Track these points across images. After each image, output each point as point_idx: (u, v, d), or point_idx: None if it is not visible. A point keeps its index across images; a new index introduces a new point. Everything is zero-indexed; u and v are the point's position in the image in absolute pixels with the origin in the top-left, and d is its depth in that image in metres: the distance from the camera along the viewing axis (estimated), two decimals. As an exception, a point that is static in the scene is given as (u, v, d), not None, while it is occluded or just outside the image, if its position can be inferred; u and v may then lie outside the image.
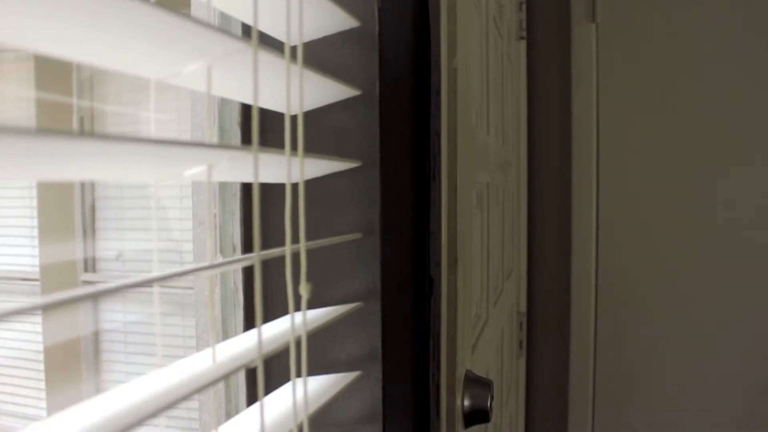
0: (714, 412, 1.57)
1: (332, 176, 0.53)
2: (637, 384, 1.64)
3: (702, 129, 1.57)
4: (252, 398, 0.57)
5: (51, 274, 2.72)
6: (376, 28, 0.52)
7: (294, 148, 0.37)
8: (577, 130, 1.64)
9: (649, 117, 1.61)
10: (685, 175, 1.58)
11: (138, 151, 0.27)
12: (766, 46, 1.51)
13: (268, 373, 0.55)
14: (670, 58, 1.58)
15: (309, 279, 0.37)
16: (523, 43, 1.65)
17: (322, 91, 0.46)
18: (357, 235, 0.52)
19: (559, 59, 1.65)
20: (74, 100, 2.68)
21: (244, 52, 0.33)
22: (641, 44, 1.60)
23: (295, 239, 0.38)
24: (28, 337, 2.79)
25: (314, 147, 0.53)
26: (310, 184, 0.53)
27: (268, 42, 0.43)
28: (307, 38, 0.50)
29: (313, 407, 0.42)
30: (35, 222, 2.77)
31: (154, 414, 0.26)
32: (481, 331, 0.92)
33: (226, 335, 0.56)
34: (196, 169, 0.34)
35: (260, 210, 0.55)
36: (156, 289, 0.36)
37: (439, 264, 0.64)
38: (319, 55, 0.53)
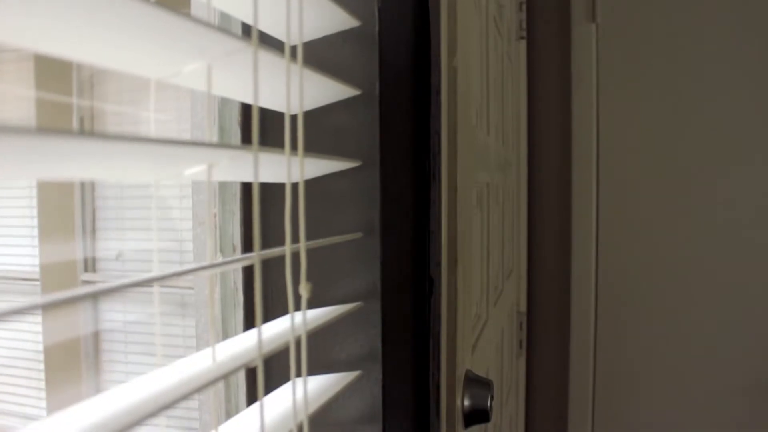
0: (714, 412, 1.57)
1: (332, 176, 0.53)
2: (637, 384, 1.64)
3: (702, 129, 1.57)
4: (252, 398, 0.57)
5: (51, 274, 2.72)
6: (376, 28, 0.52)
7: (294, 147, 0.37)
8: (577, 130, 1.64)
9: (649, 117, 1.61)
10: (685, 175, 1.58)
11: (138, 151, 0.27)
12: (766, 46, 1.51)
13: (268, 373, 0.55)
14: (670, 58, 1.58)
15: (309, 279, 0.37)
16: (523, 43, 1.65)
17: (322, 90, 0.46)
18: (357, 235, 0.52)
19: (559, 59, 1.65)
20: (74, 100, 2.68)
21: (244, 51, 0.33)
22: (641, 44, 1.60)
23: (295, 239, 0.38)
24: (29, 336, 2.79)
25: (314, 147, 0.53)
26: (311, 183, 0.53)
27: (268, 41, 0.43)
28: (307, 38, 0.50)
29: (313, 407, 0.42)
30: (35, 222, 2.77)
31: (154, 413, 0.26)
32: (481, 330, 0.92)
33: (226, 335, 0.56)
34: (196, 169, 0.34)
35: (260, 210, 0.55)
36: (156, 288, 0.36)
37: (439, 264, 0.64)
38: (319, 55, 0.53)
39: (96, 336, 2.76)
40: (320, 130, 0.54)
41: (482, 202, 0.94)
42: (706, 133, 1.56)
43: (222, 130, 0.56)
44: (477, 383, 0.71)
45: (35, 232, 2.78)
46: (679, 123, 1.58)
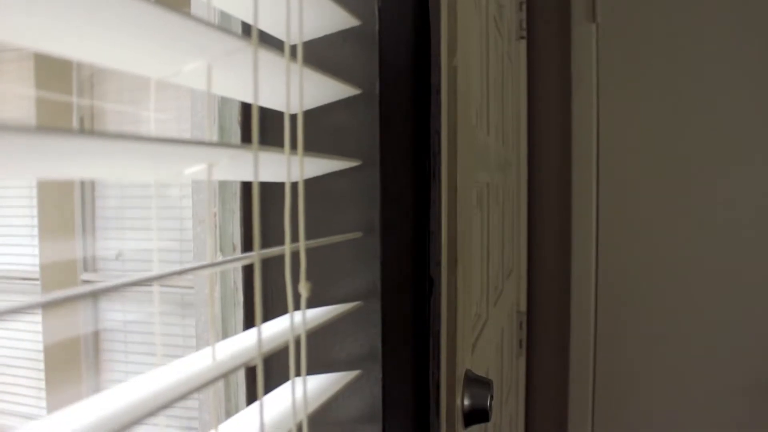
0: (714, 412, 1.57)
1: (332, 175, 0.53)
2: (637, 383, 1.64)
3: (702, 129, 1.57)
4: (252, 397, 0.57)
5: (51, 274, 2.72)
6: (377, 27, 0.52)
7: (294, 146, 0.37)
8: (577, 130, 1.64)
9: (649, 117, 1.61)
10: (685, 175, 1.58)
11: (138, 150, 0.27)
12: (766, 46, 1.51)
13: (267, 372, 0.55)
14: (670, 58, 1.58)
15: (309, 278, 0.37)
16: (523, 43, 1.65)
17: (322, 90, 0.46)
18: (357, 234, 0.52)
19: (559, 59, 1.65)
20: (74, 99, 2.68)
21: (244, 50, 0.33)
22: (641, 44, 1.60)
23: (295, 238, 0.38)
24: (29, 336, 2.79)
25: (314, 146, 0.53)
26: (310, 183, 0.53)
27: (268, 41, 0.43)
28: (307, 37, 0.50)
29: (312, 406, 0.42)
30: (35, 221, 2.77)
31: (154, 412, 0.26)
32: (481, 330, 0.92)
33: (226, 334, 0.56)
34: (196, 168, 0.34)
35: (260, 209, 0.55)
36: (156, 288, 0.36)
37: (439, 263, 0.64)
38: (319, 54, 0.53)
39: (96, 335, 2.76)
40: (320, 129, 0.54)
41: (482, 202, 0.94)
42: (706, 133, 1.56)
43: (222, 129, 0.56)
44: (477, 383, 0.71)
45: (35, 231, 2.78)
46: (679, 123, 1.58)
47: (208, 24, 0.29)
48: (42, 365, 2.73)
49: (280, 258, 0.36)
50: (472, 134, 0.77)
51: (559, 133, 1.66)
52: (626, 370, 1.64)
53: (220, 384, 0.57)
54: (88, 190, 2.73)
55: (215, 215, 0.56)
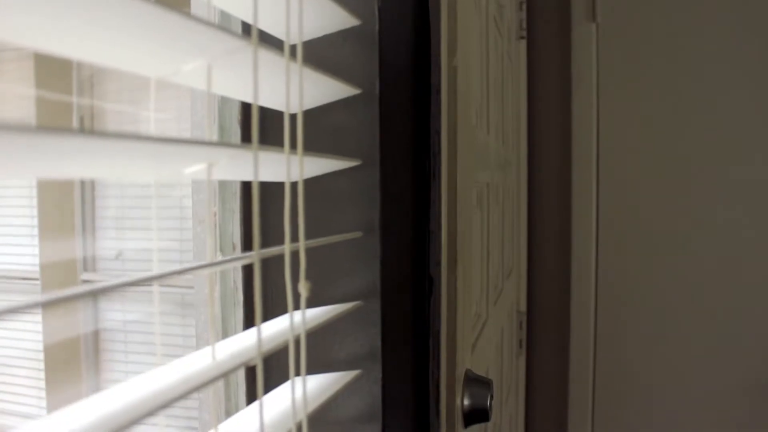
0: (714, 412, 1.57)
1: (332, 175, 0.53)
2: (637, 383, 1.64)
3: (702, 129, 1.57)
4: (252, 397, 0.57)
5: (51, 274, 2.72)
6: (377, 27, 0.52)
7: (293, 146, 0.37)
8: (577, 130, 1.64)
9: (649, 117, 1.61)
10: (685, 175, 1.58)
11: (138, 149, 0.27)
12: (766, 46, 1.51)
13: (267, 372, 0.55)
14: (670, 58, 1.58)
15: (309, 278, 0.37)
16: (524, 43, 1.65)
17: (322, 89, 0.46)
18: (357, 234, 0.52)
19: (559, 59, 1.65)
20: (74, 99, 2.68)
21: (244, 50, 0.33)
22: (641, 44, 1.60)
23: (295, 238, 0.38)
24: (29, 336, 2.79)
25: (314, 146, 0.53)
26: (310, 182, 0.53)
27: (268, 40, 0.43)
28: (307, 37, 0.50)
29: (312, 406, 0.42)
30: (35, 221, 2.77)
31: (153, 412, 0.26)
32: (481, 330, 0.92)
33: (225, 334, 0.56)
34: (195, 168, 0.34)
35: (260, 208, 0.55)
36: (155, 287, 0.36)
37: (438, 263, 0.64)
38: (319, 54, 0.53)
39: (96, 335, 2.76)
40: (320, 129, 0.54)
41: (482, 202, 0.94)
42: (706, 133, 1.56)
43: (222, 128, 0.56)
44: (477, 382, 0.71)
45: (35, 231, 2.78)
46: (679, 123, 1.58)
47: (208, 23, 0.29)
48: (42, 365, 2.73)
49: (280, 258, 0.36)
50: (472, 134, 0.77)
51: (559, 133, 1.66)
52: (626, 370, 1.64)
53: (220, 384, 0.57)
54: (88, 189, 2.73)
55: (215, 215, 0.56)
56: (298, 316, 0.41)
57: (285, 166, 0.36)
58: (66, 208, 2.72)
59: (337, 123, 0.53)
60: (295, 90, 0.38)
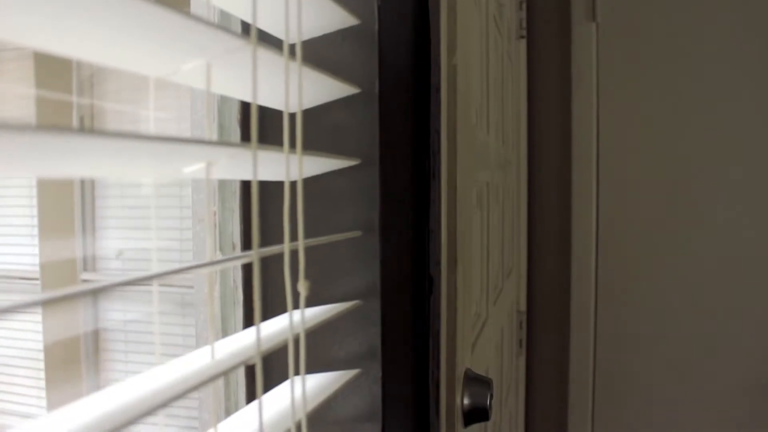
0: (714, 412, 1.57)
1: (331, 174, 0.53)
2: (637, 383, 1.64)
3: (702, 129, 1.57)
4: (251, 396, 0.57)
5: (51, 273, 2.72)
6: (376, 26, 0.52)
7: (293, 145, 0.37)
8: (577, 130, 1.64)
9: (649, 117, 1.61)
10: (685, 175, 1.58)
11: (137, 148, 0.27)
12: (766, 46, 1.51)
13: (267, 371, 0.55)
14: (670, 58, 1.58)
15: (309, 277, 0.37)
16: (523, 42, 1.65)
17: (321, 88, 0.46)
18: (356, 233, 0.53)
19: (559, 59, 1.65)
20: (74, 99, 2.68)
21: (243, 49, 0.33)
22: (641, 44, 1.60)
23: (294, 237, 0.38)
24: (29, 335, 2.79)
25: (313, 145, 0.53)
26: (310, 182, 0.53)
27: (268, 40, 0.43)
28: (307, 36, 0.50)
29: (311, 405, 0.42)
30: (35, 221, 2.78)
31: (152, 411, 0.26)
32: (481, 329, 0.92)
33: (225, 333, 0.56)
34: (194, 167, 0.34)
35: (259, 208, 0.55)
36: (155, 286, 0.36)
37: (438, 263, 0.64)
38: (318, 53, 0.53)
39: (96, 335, 2.76)
40: (319, 128, 0.54)
41: (482, 201, 0.94)
42: (706, 133, 1.56)
43: (222, 128, 0.56)
44: (477, 382, 0.71)
45: (35, 231, 2.79)
46: (679, 123, 1.58)
47: (207, 23, 0.29)
48: (42, 364, 2.73)
49: (280, 257, 0.36)
50: (472, 133, 0.77)
51: (559, 133, 1.66)
52: (626, 370, 1.64)
53: (220, 383, 0.57)
54: (88, 189, 2.73)
55: (215, 214, 0.56)
56: (297, 315, 0.41)
57: (284, 166, 0.37)
58: (66, 207, 2.72)
59: (337, 122, 0.53)
60: (295, 89, 0.38)
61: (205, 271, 0.32)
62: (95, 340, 2.76)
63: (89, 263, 2.77)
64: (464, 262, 0.70)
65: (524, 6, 1.63)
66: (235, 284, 0.56)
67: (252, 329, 0.41)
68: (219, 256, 0.56)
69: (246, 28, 0.54)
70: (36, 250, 2.78)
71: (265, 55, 0.34)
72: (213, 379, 0.30)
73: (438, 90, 0.63)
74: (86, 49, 0.29)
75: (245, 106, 0.55)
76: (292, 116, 0.44)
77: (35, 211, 2.77)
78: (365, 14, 0.52)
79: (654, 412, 1.63)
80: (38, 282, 2.73)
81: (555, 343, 1.69)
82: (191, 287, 0.62)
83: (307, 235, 0.41)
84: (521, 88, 1.63)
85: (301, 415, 0.39)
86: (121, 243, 2.71)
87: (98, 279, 2.72)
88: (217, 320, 0.56)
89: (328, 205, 0.54)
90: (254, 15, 0.34)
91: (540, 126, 1.68)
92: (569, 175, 1.65)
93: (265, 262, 0.54)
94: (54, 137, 0.22)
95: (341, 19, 0.47)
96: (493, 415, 0.99)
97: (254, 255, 0.34)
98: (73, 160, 0.27)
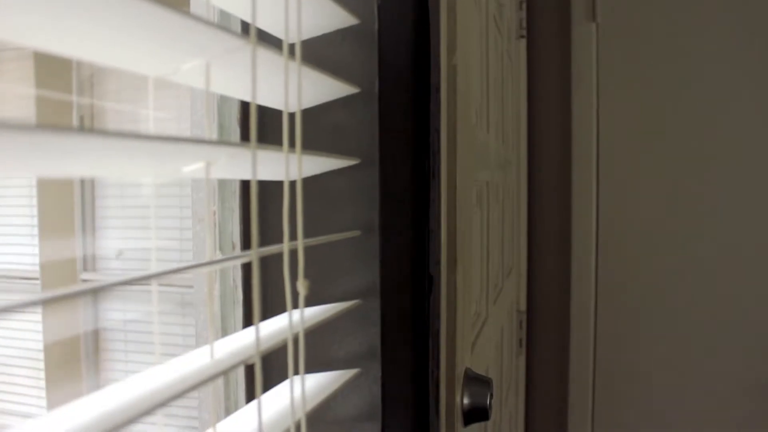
0: (714, 412, 1.57)
1: (331, 174, 0.53)
2: (637, 383, 1.64)
3: (702, 129, 1.57)
4: (251, 395, 0.57)
5: (51, 273, 2.72)
6: (376, 26, 0.52)
7: (292, 145, 0.37)
8: (577, 130, 1.64)
9: (649, 117, 1.61)
10: (686, 175, 1.58)
11: (136, 148, 0.27)
12: (766, 46, 1.51)
13: (267, 370, 0.55)
14: (670, 58, 1.58)
15: (308, 276, 0.37)
16: (523, 42, 1.65)
17: (321, 88, 0.46)
18: (356, 233, 0.53)
19: (559, 59, 1.65)
20: (74, 98, 2.68)
21: (243, 49, 0.33)
22: (641, 44, 1.60)
23: (294, 236, 0.38)
24: (29, 335, 2.79)
25: (313, 144, 0.53)
26: (309, 181, 0.53)
27: (267, 39, 0.43)
28: (306, 36, 0.50)
29: (311, 405, 0.42)
30: (35, 220, 2.78)
31: (151, 410, 0.26)
32: (481, 329, 0.92)
33: (225, 332, 0.56)
34: (194, 166, 0.34)
35: (259, 207, 0.55)
36: (154, 286, 0.36)
37: (438, 262, 0.64)
38: (318, 53, 0.53)
39: (96, 334, 2.76)
40: (319, 128, 0.54)
41: (482, 201, 0.94)
42: (706, 133, 1.56)
43: (221, 127, 0.56)
44: (476, 381, 0.71)
45: (35, 230, 2.79)
46: (679, 123, 1.58)
47: (207, 22, 0.29)
48: (42, 364, 2.73)
49: (280, 256, 0.36)
50: (471, 133, 0.77)
51: (559, 133, 1.66)
52: (626, 370, 1.64)
53: (220, 382, 0.57)
54: (87, 189, 2.73)
55: (215, 214, 0.56)
56: (296, 314, 0.41)
57: (284, 165, 0.37)
58: (66, 207, 2.72)
59: (336, 122, 0.53)
60: (294, 89, 0.38)
61: (204, 270, 0.32)
62: (95, 339, 2.76)
63: (89, 263, 2.77)
64: (464, 262, 0.70)
65: (524, 6, 1.63)
66: (235, 284, 0.56)
67: (251, 329, 0.41)
68: (219, 256, 0.56)
69: (245, 27, 0.54)
70: (36, 250, 2.78)
71: (265, 54, 0.34)
72: (212, 378, 0.30)
73: (438, 90, 0.63)
74: (86, 49, 0.29)
75: (245, 106, 0.55)
76: (292, 116, 0.44)
77: (35, 211, 2.77)
78: (365, 14, 0.52)
79: (654, 411, 1.63)
80: (38, 282, 2.73)
81: (555, 343, 1.69)
82: (191, 287, 0.62)
83: (306, 235, 0.41)
84: (521, 87, 1.63)
85: (301, 415, 0.39)
86: (121, 243, 2.71)
87: (98, 279, 2.72)
88: (216, 320, 0.56)
89: (327, 204, 0.54)
90: (254, 15, 0.34)
91: (540, 126, 1.68)
92: (569, 175, 1.65)
93: (264, 261, 0.54)
94: (54, 137, 0.22)
95: (341, 18, 0.47)
96: (493, 415, 0.99)
97: (253, 254, 0.34)
98: (73, 159, 0.27)
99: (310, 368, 0.53)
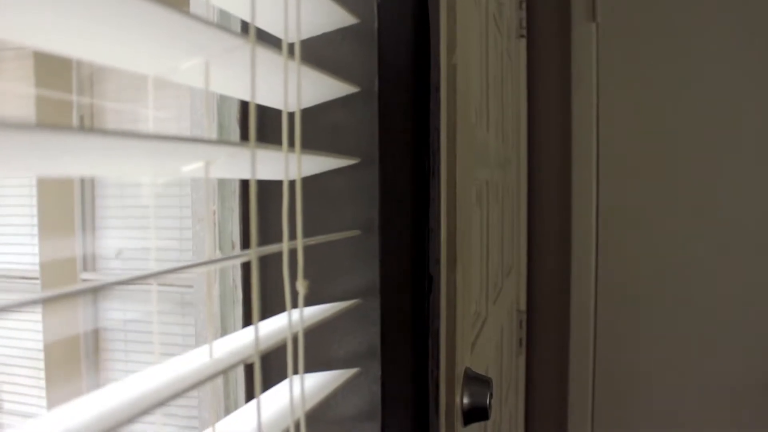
0: (714, 412, 1.58)
1: (331, 173, 0.53)
2: (637, 383, 1.64)
3: (702, 129, 1.57)
4: (251, 394, 0.57)
5: (51, 273, 2.72)
6: (376, 25, 0.52)
7: (292, 144, 0.37)
8: (577, 129, 1.64)
9: (649, 117, 1.61)
10: (686, 175, 1.58)
11: (136, 147, 0.27)
12: (766, 46, 1.51)
13: (266, 370, 0.55)
14: (670, 58, 1.58)
15: (308, 276, 0.37)
16: (523, 42, 1.65)
17: (320, 88, 0.46)
18: (355, 232, 0.53)
19: (559, 58, 1.65)
20: (74, 98, 2.68)
21: (242, 48, 0.33)
22: (641, 44, 1.60)
23: (293, 236, 0.38)
24: (29, 334, 2.79)
25: (312, 144, 0.53)
26: (309, 181, 0.53)
27: (267, 39, 0.43)
28: (306, 35, 0.50)
29: (310, 404, 0.42)
30: (35, 220, 2.78)
31: (150, 410, 0.26)
32: (481, 328, 0.92)
33: (225, 332, 0.56)
34: (193, 166, 0.34)
35: (258, 207, 0.55)
36: (154, 285, 0.36)
37: (438, 261, 0.64)
38: (317, 52, 0.53)
39: (96, 334, 2.76)
40: (318, 127, 0.54)
41: (482, 200, 0.94)
42: (707, 133, 1.56)
43: (221, 127, 0.56)
44: (476, 381, 0.71)
45: (35, 230, 2.79)
46: (679, 123, 1.58)
47: (206, 22, 0.29)
48: (42, 363, 2.73)
49: (279, 256, 0.36)
50: (471, 132, 0.77)
51: (559, 132, 1.66)
52: (626, 370, 1.64)
53: (219, 381, 0.57)
54: (87, 188, 2.73)
55: (214, 213, 0.56)
56: (296, 314, 0.41)
57: (283, 165, 0.37)
58: (66, 206, 2.72)
59: (336, 121, 0.53)
60: (294, 88, 0.38)
61: (204, 269, 0.32)
62: (95, 339, 2.76)
63: (89, 262, 2.77)
64: (464, 261, 0.70)
65: (524, 5, 1.63)
66: (235, 283, 0.56)
67: (251, 328, 0.41)
68: (218, 255, 0.56)
69: (245, 27, 0.54)
70: (36, 250, 2.78)
71: (264, 54, 0.34)
72: (212, 377, 0.30)
73: (438, 89, 0.63)
74: (86, 48, 0.29)
75: (245, 105, 0.55)
76: (291, 115, 0.44)
77: (35, 211, 2.77)
78: (365, 13, 0.52)
79: (654, 411, 1.63)
80: (38, 281, 2.73)
81: (555, 343, 1.69)
82: (191, 286, 0.62)
83: (306, 234, 0.41)
84: (521, 87, 1.63)
85: (300, 414, 0.39)
86: (121, 242, 2.71)
87: (98, 278, 2.72)
88: (216, 319, 0.56)
89: (327, 204, 0.54)
90: (253, 14, 0.34)
91: (540, 125, 1.68)
92: (569, 175, 1.65)
93: (264, 261, 0.54)
94: (54, 136, 0.22)
95: (341, 18, 0.47)
96: (493, 415, 0.99)
97: (253, 254, 0.34)
98: (72, 158, 0.27)
99: (310, 368, 0.53)
